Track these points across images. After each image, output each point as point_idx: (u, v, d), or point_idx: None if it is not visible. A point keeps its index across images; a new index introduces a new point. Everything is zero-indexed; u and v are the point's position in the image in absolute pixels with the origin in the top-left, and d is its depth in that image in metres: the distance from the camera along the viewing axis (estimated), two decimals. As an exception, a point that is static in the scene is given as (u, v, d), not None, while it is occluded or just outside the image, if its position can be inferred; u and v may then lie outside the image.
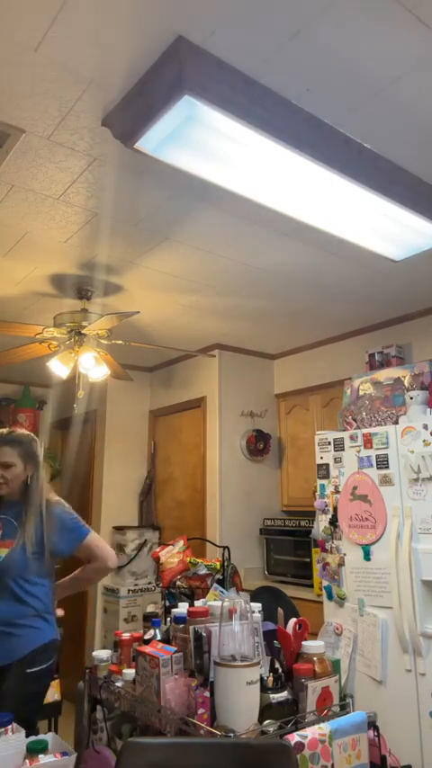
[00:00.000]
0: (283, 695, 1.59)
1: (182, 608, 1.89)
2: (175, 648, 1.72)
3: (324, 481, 3.12)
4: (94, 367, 3.11)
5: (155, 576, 4.35)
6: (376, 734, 1.63)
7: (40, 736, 2.48)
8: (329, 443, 3.11)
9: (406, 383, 3.14)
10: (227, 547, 2.55)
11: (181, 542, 2.59)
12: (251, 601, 1.83)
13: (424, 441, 2.68)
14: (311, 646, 1.73)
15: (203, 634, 1.63)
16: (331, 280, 3.13)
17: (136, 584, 4.30)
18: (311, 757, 1.43)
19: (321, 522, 3.10)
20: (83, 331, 3.11)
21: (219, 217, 2.47)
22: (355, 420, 3.19)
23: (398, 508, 2.74)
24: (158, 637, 1.87)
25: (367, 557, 2.83)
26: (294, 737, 1.43)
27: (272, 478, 4.42)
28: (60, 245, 2.71)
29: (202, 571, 2.41)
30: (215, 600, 1.98)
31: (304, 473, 4.17)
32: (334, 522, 3.03)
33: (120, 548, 4.40)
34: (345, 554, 2.95)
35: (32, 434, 2.34)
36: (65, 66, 1.63)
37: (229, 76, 1.61)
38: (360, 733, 1.55)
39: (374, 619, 2.74)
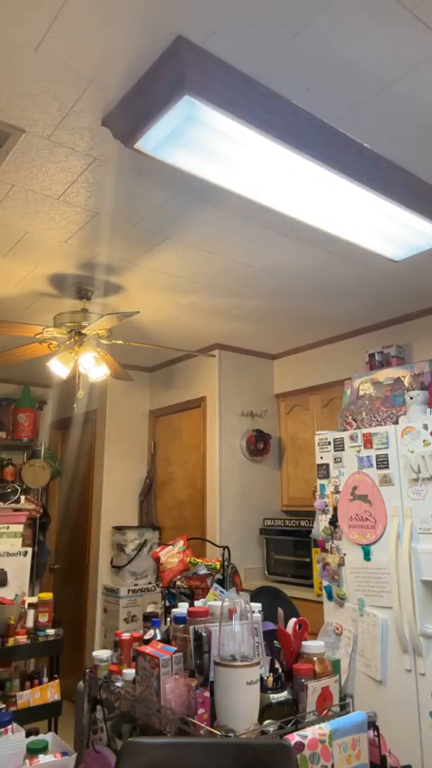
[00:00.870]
0: (283, 695, 1.59)
1: (182, 608, 1.89)
2: (175, 648, 1.72)
3: (324, 481, 3.12)
4: (94, 367, 3.11)
5: (155, 576, 4.35)
6: (376, 734, 1.63)
7: (40, 737, 2.49)
8: (329, 443, 3.11)
9: (406, 383, 3.14)
10: (227, 547, 2.55)
11: (181, 542, 2.59)
12: (251, 601, 1.83)
13: (424, 441, 2.68)
14: (311, 646, 1.73)
15: (203, 634, 1.63)
16: (331, 280, 3.13)
17: (136, 584, 4.30)
18: (311, 757, 1.43)
19: (321, 522, 3.11)
20: (83, 331, 3.11)
21: (219, 217, 2.47)
22: (355, 420, 3.19)
23: (398, 508, 2.74)
24: (158, 637, 1.87)
25: (367, 557, 2.83)
26: (294, 737, 1.43)
27: (272, 478, 4.42)
28: (60, 245, 2.71)
29: (202, 571, 2.41)
30: (215, 600, 1.98)
31: (304, 473, 4.17)
32: (334, 522, 3.03)
33: (120, 548, 4.40)
34: (345, 554, 2.95)
35: None
36: (65, 66, 1.63)
37: (229, 76, 1.61)
38: (360, 733, 1.55)
39: (374, 619, 2.74)
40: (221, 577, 2.38)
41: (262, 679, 1.59)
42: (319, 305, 3.53)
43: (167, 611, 2.14)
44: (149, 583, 4.35)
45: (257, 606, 1.89)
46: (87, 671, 1.99)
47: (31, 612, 3.10)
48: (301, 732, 1.46)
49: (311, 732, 1.47)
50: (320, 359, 4.24)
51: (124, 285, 3.22)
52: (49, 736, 2.58)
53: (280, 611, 1.91)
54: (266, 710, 1.55)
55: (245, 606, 1.63)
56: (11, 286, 3.20)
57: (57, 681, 2.97)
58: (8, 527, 3.60)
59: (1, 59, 1.60)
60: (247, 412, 4.40)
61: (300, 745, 1.42)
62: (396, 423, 2.95)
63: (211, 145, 1.75)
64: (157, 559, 2.55)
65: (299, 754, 1.41)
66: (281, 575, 3.94)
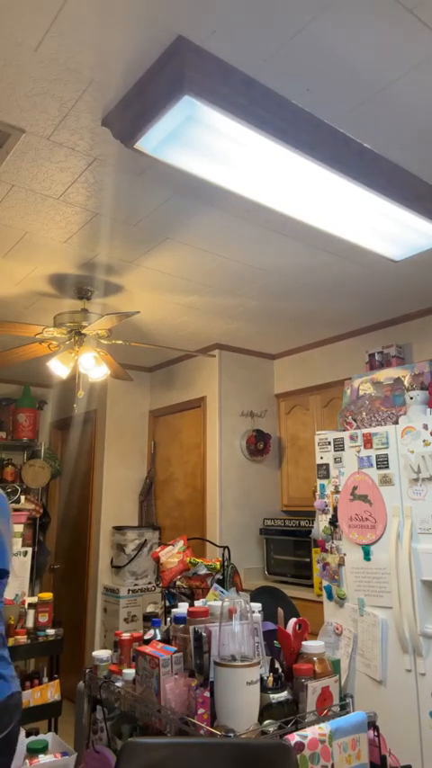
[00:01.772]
0: (283, 695, 1.59)
1: (182, 608, 1.89)
2: (175, 648, 1.72)
3: (324, 481, 3.12)
4: (94, 367, 3.11)
5: (155, 576, 4.35)
6: (376, 734, 1.63)
7: (40, 737, 2.49)
8: (329, 443, 3.11)
9: (406, 383, 3.14)
10: (227, 547, 2.55)
11: (181, 542, 2.59)
12: (251, 601, 1.83)
13: (424, 441, 2.68)
14: (311, 646, 1.73)
15: (203, 634, 1.63)
16: (331, 279, 3.13)
17: (136, 584, 4.30)
18: (311, 757, 1.43)
19: (321, 522, 3.11)
20: (83, 331, 3.11)
21: (219, 217, 2.47)
22: (355, 420, 3.19)
23: (398, 508, 2.74)
24: (158, 637, 1.87)
25: (367, 557, 2.83)
26: (294, 737, 1.43)
27: (272, 478, 4.42)
28: (60, 245, 2.71)
29: (202, 571, 2.41)
30: (215, 600, 1.98)
31: (304, 473, 4.17)
32: (334, 522, 3.03)
33: (120, 548, 4.40)
34: (345, 554, 2.95)
35: None
36: (65, 66, 1.63)
37: (229, 76, 1.61)
38: (360, 733, 1.55)
39: (374, 619, 2.74)
40: (221, 577, 2.38)
41: (262, 679, 1.59)
42: (318, 305, 3.53)
43: (167, 611, 2.14)
44: (149, 583, 4.35)
45: (257, 606, 1.89)
46: (87, 671, 1.99)
47: (31, 612, 3.10)
48: (301, 732, 1.46)
49: (311, 732, 1.47)
50: (320, 359, 4.24)
51: (124, 285, 3.22)
52: (49, 737, 2.58)
53: (280, 611, 1.91)
54: (266, 710, 1.55)
55: (245, 606, 1.63)
56: (11, 286, 3.20)
57: (57, 681, 2.97)
58: (8, 527, 3.59)
59: (1, 59, 1.60)
60: (247, 412, 4.40)
61: (300, 745, 1.42)
62: (396, 423, 2.95)
63: (211, 145, 1.75)
64: (157, 559, 2.55)
65: (299, 754, 1.41)
66: (281, 575, 3.94)
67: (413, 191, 2.13)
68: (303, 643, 1.74)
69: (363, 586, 2.83)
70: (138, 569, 4.36)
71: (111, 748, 1.81)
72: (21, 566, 3.38)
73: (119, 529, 4.45)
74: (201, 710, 1.53)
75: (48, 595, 3.18)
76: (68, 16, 1.47)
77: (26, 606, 3.12)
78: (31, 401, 4.99)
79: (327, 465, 3.12)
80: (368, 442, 2.92)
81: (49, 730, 2.87)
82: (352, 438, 3.00)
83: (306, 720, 1.56)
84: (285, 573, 3.91)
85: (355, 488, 2.94)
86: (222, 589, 2.16)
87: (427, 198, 2.18)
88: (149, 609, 2.46)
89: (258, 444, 4.27)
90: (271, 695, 1.58)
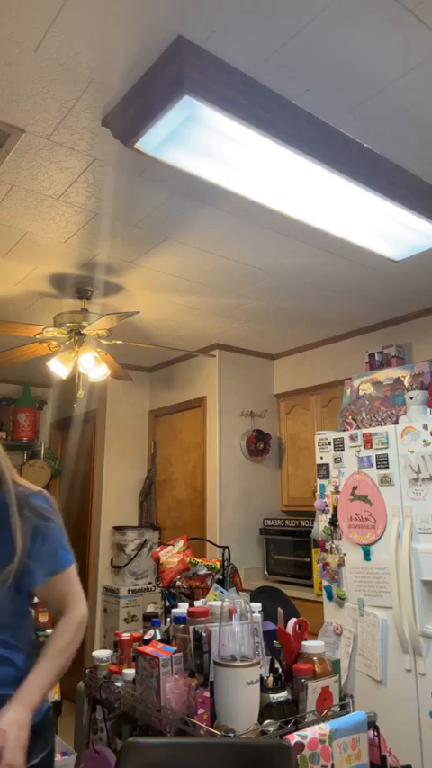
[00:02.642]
0: (283, 695, 1.59)
1: (182, 608, 1.89)
2: (175, 648, 1.72)
3: (324, 481, 3.12)
4: (94, 367, 3.11)
5: (155, 576, 4.35)
6: (376, 734, 1.63)
7: (40, 736, 2.47)
8: (329, 443, 3.11)
9: (406, 383, 3.14)
10: (227, 547, 2.55)
11: (181, 542, 2.59)
12: (251, 601, 1.83)
13: (424, 441, 2.68)
14: (311, 646, 1.73)
15: (203, 634, 1.63)
16: (331, 279, 3.13)
17: (136, 584, 4.30)
18: (311, 757, 1.43)
19: (321, 522, 3.10)
20: (83, 331, 3.11)
21: (219, 217, 2.47)
22: (355, 420, 3.19)
23: (398, 508, 2.74)
24: (158, 637, 1.87)
25: (367, 557, 2.83)
26: (294, 737, 1.43)
27: (272, 478, 4.42)
28: (60, 245, 2.71)
29: (202, 571, 2.41)
30: (215, 600, 1.98)
31: (304, 473, 4.17)
32: (334, 522, 3.03)
33: (120, 548, 4.40)
34: (345, 554, 2.95)
35: None
36: (65, 67, 1.63)
37: (230, 76, 1.61)
38: (360, 733, 1.55)
39: (374, 619, 2.74)
40: (221, 577, 2.38)
41: (262, 679, 1.59)
42: (319, 305, 3.53)
43: (167, 611, 2.14)
44: (149, 583, 4.35)
45: (257, 606, 1.89)
46: (87, 671, 1.99)
47: (31, 612, 3.10)
48: (301, 732, 1.46)
49: (311, 732, 1.47)
50: (320, 359, 4.24)
51: (124, 285, 3.22)
52: (49, 736, 2.58)
53: (280, 611, 1.91)
54: (266, 710, 1.55)
55: (245, 606, 1.63)
56: (11, 286, 3.20)
57: (57, 681, 2.97)
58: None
59: (1, 59, 1.60)
60: (247, 412, 4.40)
61: (300, 745, 1.42)
62: (396, 423, 2.95)
63: (211, 145, 1.75)
64: (157, 559, 2.55)
65: (299, 754, 1.41)
66: (281, 575, 3.94)
67: (413, 191, 2.13)
68: (303, 643, 1.74)
69: (363, 586, 2.83)
70: (138, 569, 4.36)
71: (111, 748, 1.81)
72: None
73: (119, 529, 4.46)
74: (201, 710, 1.53)
75: (48, 595, 3.18)
76: (68, 16, 1.47)
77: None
78: (31, 401, 4.99)
79: (327, 465, 3.12)
80: (368, 442, 2.92)
81: (49, 730, 2.87)
82: (352, 438, 3.00)
83: (306, 720, 1.56)
84: (285, 573, 3.91)
85: (355, 488, 2.94)
86: (222, 589, 2.16)
87: (428, 198, 2.18)
88: (149, 609, 2.46)
89: (258, 444, 4.27)
90: (271, 695, 1.58)
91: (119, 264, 2.94)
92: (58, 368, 3.12)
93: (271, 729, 1.50)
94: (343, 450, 3.04)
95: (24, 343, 3.21)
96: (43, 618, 3.09)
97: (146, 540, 4.44)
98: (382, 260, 2.73)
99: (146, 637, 1.91)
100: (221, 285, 3.22)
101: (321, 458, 3.15)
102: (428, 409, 2.88)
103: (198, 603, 1.99)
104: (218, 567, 2.42)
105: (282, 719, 1.53)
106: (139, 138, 1.72)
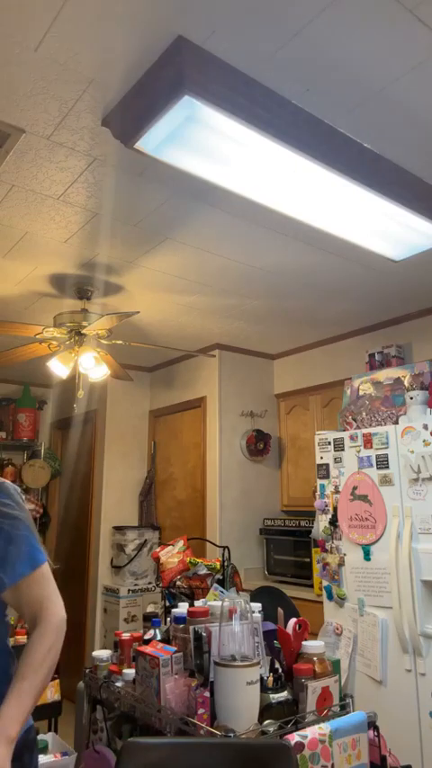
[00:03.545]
0: (283, 695, 1.59)
1: (182, 608, 1.89)
2: (175, 648, 1.72)
3: (324, 481, 3.12)
4: (94, 367, 3.11)
5: (155, 576, 4.35)
6: (376, 734, 1.63)
7: (40, 737, 2.48)
8: (329, 443, 3.11)
9: (406, 383, 3.14)
10: (227, 547, 2.55)
11: (181, 542, 2.59)
12: (251, 601, 1.83)
13: (424, 441, 2.68)
14: (311, 646, 1.73)
15: (203, 634, 1.63)
16: (331, 280, 3.13)
17: (136, 584, 4.30)
18: (311, 757, 1.43)
19: (321, 522, 3.10)
20: (83, 331, 3.11)
21: (219, 217, 2.47)
22: (355, 420, 3.19)
23: (398, 508, 2.74)
24: (158, 637, 1.87)
25: (367, 557, 2.83)
26: (294, 737, 1.43)
27: (272, 478, 4.42)
28: (60, 245, 2.71)
29: (202, 571, 2.41)
30: (215, 600, 1.98)
31: (304, 473, 4.17)
32: (334, 522, 3.03)
33: (120, 548, 4.40)
34: (345, 554, 2.95)
35: None
36: (65, 67, 1.63)
37: (229, 76, 1.61)
38: (360, 733, 1.55)
39: (374, 619, 2.74)
40: (221, 577, 2.38)
41: (262, 679, 1.59)
42: (319, 305, 3.53)
43: (167, 611, 2.14)
44: (149, 583, 4.35)
45: (257, 606, 1.89)
46: (87, 671, 1.99)
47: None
48: (301, 732, 1.46)
49: (311, 732, 1.47)
50: (320, 359, 4.24)
51: (124, 285, 3.22)
52: (49, 737, 2.59)
53: (280, 611, 1.91)
54: (266, 710, 1.55)
55: (245, 606, 1.63)
56: (11, 286, 3.20)
57: (57, 681, 2.97)
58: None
59: (1, 59, 1.60)
60: (247, 412, 4.40)
61: (300, 745, 1.42)
62: (396, 423, 2.95)
63: (211, 145, 1.75)
64: (157, 559, 2.55)
65: (299, 754, 1.41)
66: (281, 575, 3.94)
67: (413, 191, 2.13)
68: (303, 643, 1.74)
69: (363, 586, 2.83)
70: (138, 569, 4.36)
71: (111, 748, 1.81)
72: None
73: (119, 529, 4.46)
74: (201, 710, 1.53)
75: (48, 595, 3.17)
76: (68, 16, 1.47)
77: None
78: (31, 401, 4.99)
79: (327, 465, 3.12)
80: (368, 442, 2.92)
81: (50, 730, 2.87)
82: (352, 438, 3.00)
83: (306, 720, 1.56)
84: (285, 573, 3.91)
85: (355, 488, 2.94)
86: (222, 589, 2.16)
87: (427, 198, 2.18)
88: (149, 609, 2.46)
89: (258, 444, 4.27)
90: (271, 695, 1.58)
91: (119, 264, 2.94)
92: (58, 368, 3.12)
93: (271, 729, 1.50)
94: (343, 450, 3.04)
95: (24, 343, 3.21)
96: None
97: (146, 540, 4.44)
98: (382, 260, 2.73)
99: (146, 637, 1.91)
100: (221, 285, 3.22)
101: (321, 458, 3.15)
102: (428, 409, 2.88)
103: (198, 603, 1.99)
104: (218, 567, 2.42)
105: (282, 719, 1.53)
106: (139, 138, 1.72)
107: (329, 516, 3.06)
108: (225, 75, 1.60)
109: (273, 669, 1.66)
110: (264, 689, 1.59)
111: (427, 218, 2.19)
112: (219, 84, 1.58)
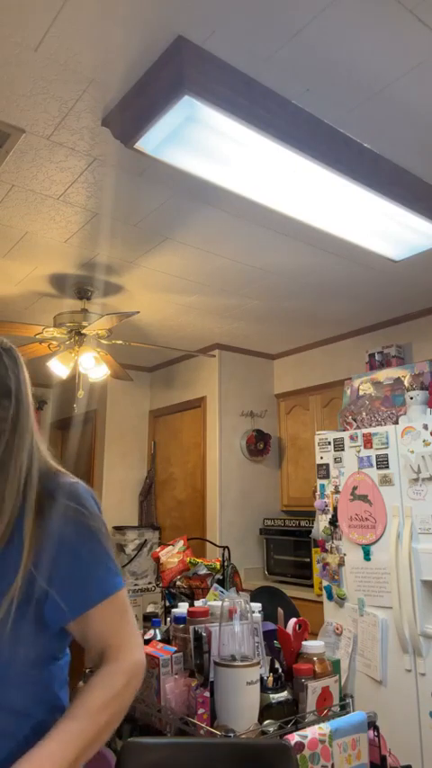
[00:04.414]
0: (283, 695, 1.59)
1: (182, 608, 1.89)
2: (175, 648, 1.72)
3: (324, 481, 3.12)
4: (94, 367, 3.11)
5: (155, 576, 4.35)
6: (376, 734, 1.63)
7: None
8: (329, 443, 3.11)
9: (406, 383, 3.14)
10: (227, 547, 2.55)
11: (181, 542, 2.59)
12: (251, 601, 1.83)
13: (424, 441, 2.68)
14: (311, 646, 1.72)
15: (203, 634, 1.63)
16: (331, 280, 3.13)
17: (136, 584, 4.30)
18: (311, 757, 1.43)
19: (321, 522, 3.10)
20: (83, 331, 3.11)
21: (219, 217, 2.47)
22: (355, 420, 3.19)
23: (398, 508, 2.74)
24: (158, 637, 1.87)
25: (367, 557, 2.83)
26: (294, 737, 1.43)
27: (272, 478, 4.42)
28: (60, 245, 2.71)
29: (202, 571, 2.41)
30: (215, 600, 1.98)
31: (304, 473, 4.17)
32: (334, 522, 3.03)
33: (120, 548, 4.40)
34: (345, 554, 2.95)
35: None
36: (65, 66, 1.63)
37: (229, 76, 1.61)
38: (360, 733, 1.55)
39: (374, 619, 2.74)
40: (221, 577, 2.38)
41: (262, 679, 1.59)
42: (319, 305, 3.53)
43: (167, 611, 2.14)
44: (149, 583, 4.35)
45: (257, 606, 1.89)
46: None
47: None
48: (301, 732, 1.46)
49: (311, 732, 1.47)
50: (320, 359, 4.24)
51: (124, 285, 3.22)
52: (49, 736, 2.58)
53: (280, 611, 1.91)
54: (266, 710, 1.55)
55: (245, 606, 1.63)
56: (11, 286, 3.20)
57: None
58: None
59: (1, 59, 1.60)
60: (247, 412, 4.40)
61: (300, 745, 1.42)
62: (396, 423, 2.95)
63: (211, 145, 1.75)
64: (157, 559, 2.55)
65: (299, 754, 1.41)
66: (281, 575, 3.94)
67: (413, 191, 2.13)
68: (303, 643, 1.74)
69: (363, 586, 2.83)
70: (138, 569, 4.36)
71: (111, 748, 1.81)
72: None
73: (119, 529, 4.45)
74: (201, 710, 1.53)
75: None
76: (68, 16, 1.47)
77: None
78: (31, 401, 4.99)
79: (327, 465, 3.12)
80: (368, 442, 2.92)
81: (49, 730, 2.86)
82: (352, 438, 3.00)
83: (306, 720, 1.56)
84: (285, 573, 3.91)
85: (355, 488, 2.94)
86: (222, 589, 2.16)
87: (427, 198, 2.18)
88: (149, 609, 2.46)
89: (258, 444, 4.27)
90: (271, 695, 1.58)
91: (119, 264, 2.94)
92: (58, 368, 3.12)
93: (271, 729, 1.50)
94: (343, 450, 3.04)
95: (24, 343, 3.21)
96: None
97: (146, 540, 4.44)
98: (382, 260, 2.73)
99: (146, 637, 1.91)
100: (221, 285, 3.22)
101: (321, 458, 3.15)
102: (428, 409, 2.88)
103: (198, 603, 1.99)
104: (218, 567, 2.42)
105: (282, 719, 1.53)
106: (139, 138, 1.72)
107: (329, 516, 3.06)
108: (225, 75, 1.60)
109: (273, 669, 1.66)
110: (264, 689, 1.58)
111: (427, 218, 2.19)
112: (219, 84, 1.58)
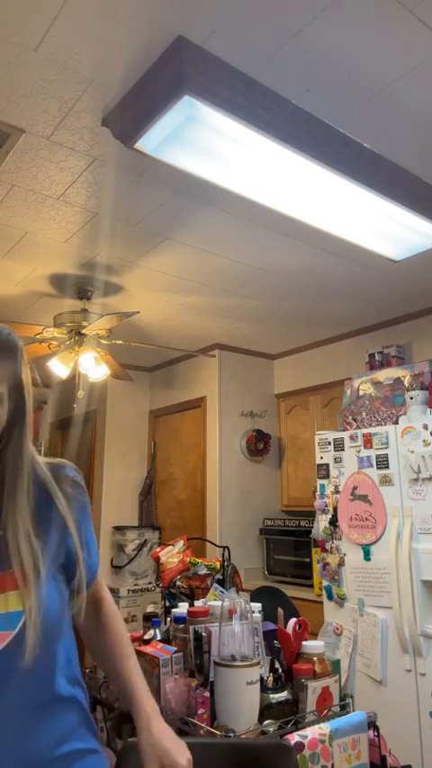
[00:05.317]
0: (283, 695, 1.59)
1: (182, 608, 1.89)
2: (175, 648, 1.72)
3: (324, 481, 3.12)
4: (94, 367, 3.11)
5: (155, 576, 4.35)
6: (376, 734, 1.63)
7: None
8: (329, 443, 3.11)
9: (406, 383, 3.14)
10: (227, 547, 2.55)
11: (181, 542, 2.59)
12: (251, 601, 1.83)
13: (424, 441, 2.68)
14: (311, 646, 1.72)
15: (203, 634, 1.63)
16: (331, 280, 3.13)
17: (136, 584, 4.30)
18: (311, 757, 1.43)
19: (321, 522, 3.10)
20: (83, 331, 3.11)
21: (219, 217, 2.47)
22: (355, 420, 3.19)
23: (398, 508, 2.74)
24: (158, 637, 1.87)
25: (367, 557, 2.83)
26: (294, 737, 1.43)
27: (272, 478, 4.42)
28: (60, 245, 2.71)
29: (202, 571, 2.41)
30: (215, 600, 1.97)
31: (304, 473, 4.17)
32: (334, 522, 3.03)
33: (120, 548, 4.40)
34: (345, 554, 2.95)
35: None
36: (65, 66, 1.63)
37: (229, 76, 1.61)
38: (360, 733, 1.55)
39: (374, 619, 2.74)
40: (221, 577, 2.38)
41: (262, 679, 1.59)
42: (319, 305, 3.53)
43: (167, 611, 2.14)
44: (149, 583, 4.35)
45: (257, 606, 1.89)
46: (87, 671, 1.99)
47: None
48: (301, 732, 1.46)
49: (311, 732, 1.47)
50: (320, 359, 4.24)
51: (124, 285, 3.22)
52: (49, 736, 2.58)
53: (280, 611, 1.91)
54: (266, 710, 1.55)
55: (245, 606, 1.63)
56: (11, 286, 3.20)
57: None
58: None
59: (1, 59, 1.60)
60: (247, 412, 4.40)
61: (300, 745, 1.42)
62: (396, 423, 2.95)
63: (211, 145, 1.75)
64: (157, 559, 2.55)
65: (299, 754, 1.41)
66: (281, 575, 3.94)
67: (413, 191, 2.13)
68: (303, 643, 1.74)
69: (363, 586, 2.83)
70: (138, 569, 4.35)
71: (111, 748, 1.81)
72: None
73: (119, 529, 4.45)
74: (201, 710, 1.53)
75: (48, 595, 3.17)
76: (68, 16, 1.47)
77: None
78: (30, 401, 4.99)
79: (327, 465, 3.12)
80: (368, 442, 2.92)
81: (49, 730, 2.86)
82: (352, 438, 3.00)
83: (306, 720, 1.56)
84: (285, 573, 3.91)
85: (355, 488, 2.94)
86: (222, 589, 2.16)
87: (427, 198, 2.18)
88: (149, 609, 2.46)
89: (258, 444, 4.27)
90: (271, 695, 1.58)
91: (119, 264, 2.94)
92: (58, 368, 3.12)
93: (271, 729, 1.50)
94: (343, 450, 3.04)
95: (24, 343, 3.21)
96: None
97: (146, 540, 4.44)
98: (382, 260, 2.73)
99: (146, 637, 1.91)
100: (221, 285, 3.22)
101: (321, 458, 3.15)
102: (428, 409, 2.88)
103: (198, 603, 1.99)
104: (218, 567, 2.42)
105: (282, 719, 1.53)
106: (139, 138, 1.72)
107: (329, 516, 3.06)
108: (225, 75, 1.60)
109: (273, 669, 1.66)
110: (264, 689, 1.58)
111: (427, 218, 2.19)
112: (219, 84, 1.58)
